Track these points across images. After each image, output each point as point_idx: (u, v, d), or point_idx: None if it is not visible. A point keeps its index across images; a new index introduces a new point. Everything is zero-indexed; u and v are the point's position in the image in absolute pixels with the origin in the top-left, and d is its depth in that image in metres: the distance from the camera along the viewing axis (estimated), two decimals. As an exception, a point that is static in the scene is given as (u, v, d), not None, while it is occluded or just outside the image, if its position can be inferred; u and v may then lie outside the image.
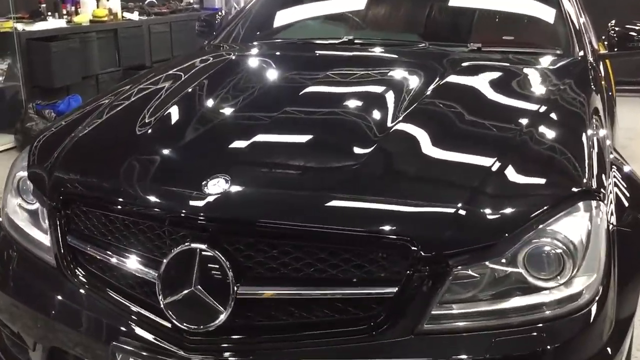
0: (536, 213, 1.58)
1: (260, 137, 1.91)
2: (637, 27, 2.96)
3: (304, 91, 2.28)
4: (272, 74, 2.61)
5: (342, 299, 1.55)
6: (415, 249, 1.50)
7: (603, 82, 2.81)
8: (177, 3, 7.80)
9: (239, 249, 1.58)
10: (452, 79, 2.35)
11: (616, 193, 1.86)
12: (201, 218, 1.60)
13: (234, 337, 1.57)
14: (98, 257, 1.77)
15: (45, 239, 1.87)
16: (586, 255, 1.58)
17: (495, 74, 2.47)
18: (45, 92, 5.78)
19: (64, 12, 6.18)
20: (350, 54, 2.76)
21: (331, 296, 1.56)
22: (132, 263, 1.70)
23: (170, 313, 1.59)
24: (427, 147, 1.85)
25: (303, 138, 1.98)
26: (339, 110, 2.12)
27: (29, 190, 1.98)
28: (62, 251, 1.81)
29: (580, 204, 1.63)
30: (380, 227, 1.54)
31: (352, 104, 2.15)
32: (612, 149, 2.15)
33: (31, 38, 5.61)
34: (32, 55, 5.59)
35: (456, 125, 2.01)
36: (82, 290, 1.77)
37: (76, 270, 1.80)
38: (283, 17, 3.37)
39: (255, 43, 3.04)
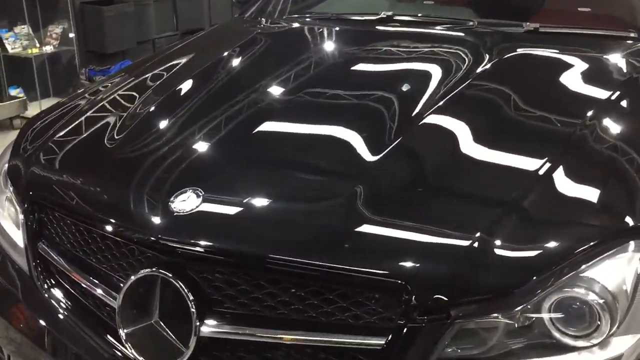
0: (573, 253, 1.26)
1: (252, 137, 1.65)
2: None
3: (314, 77, 2.03)
4: (294, 54, 2.30)
5: (323, 347, 1.30)
6: (408, 296, 1.23)
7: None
8: (238, -36, 7.57)
9: (206, 279, 1.35)
10: (493, 68, 1.98)
11: None
12: (162, 240, 1.37)
13: None
14: (65, 270, 1.59)
15: (20, 241, 1.71)
16: (631, 309, 1.26)
17: (550, 63, 2.09)
18: (99, 58, 5.72)
19: (121, -25, 6.06)
20: (383, 31, 2.44)
21: (311, 343, 1.30)
22: (98, 281, 1.51)
23: (129, 345, 1.39)
24: (447, 153, 1.55)
25: (301, 142, 1.70)
26: (352, 102, 1.86)
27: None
28: (32, 258, 1.65)
29: (631, 244, 1.30)
30: (368, 264, 1.26)
31: (371, 95, 1.85)
32: None
33: (85, 2, 5.54)
34: (86, 19, 5.54)
35: (488, 125, 1.68)
36: (51, 305, 1.60)
37: (46, 281, 1.63)
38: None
39: (284, 17, 2.75)
